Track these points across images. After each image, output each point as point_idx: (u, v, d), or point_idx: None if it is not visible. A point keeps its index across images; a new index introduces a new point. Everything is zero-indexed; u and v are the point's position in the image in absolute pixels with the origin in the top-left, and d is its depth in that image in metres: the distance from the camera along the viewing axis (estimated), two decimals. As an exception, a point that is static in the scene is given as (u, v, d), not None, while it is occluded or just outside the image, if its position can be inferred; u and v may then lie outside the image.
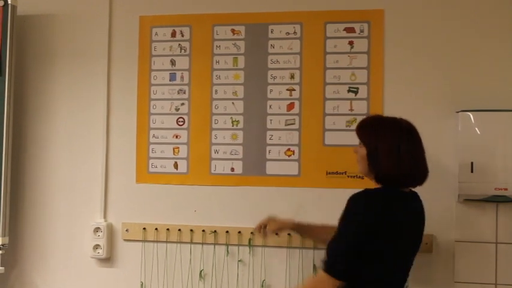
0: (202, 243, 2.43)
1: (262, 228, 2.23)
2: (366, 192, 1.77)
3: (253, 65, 2.44)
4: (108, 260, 2.51)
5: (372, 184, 1.86)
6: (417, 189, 2.25)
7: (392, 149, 1.79)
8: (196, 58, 2.48)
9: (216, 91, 2.46)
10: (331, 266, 1.71)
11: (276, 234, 2.32)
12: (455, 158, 2.23)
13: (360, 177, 2.28)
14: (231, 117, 2.45)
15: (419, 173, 1.83)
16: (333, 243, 1.74)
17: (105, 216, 2.52)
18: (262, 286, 2.39)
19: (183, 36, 2.50)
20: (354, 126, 2.30)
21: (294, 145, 2.40)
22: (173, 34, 2.50)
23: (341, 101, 2.37)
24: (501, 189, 2.14)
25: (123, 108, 2.53)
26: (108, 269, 2.51)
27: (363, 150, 1.85)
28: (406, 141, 1.81)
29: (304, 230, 2.24)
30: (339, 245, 1.73)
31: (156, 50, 2.51)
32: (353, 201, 1.76)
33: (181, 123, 2.48)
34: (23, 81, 2.60)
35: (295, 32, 2.42)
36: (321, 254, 2.29)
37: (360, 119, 2.33)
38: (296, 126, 2.40)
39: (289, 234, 2.35)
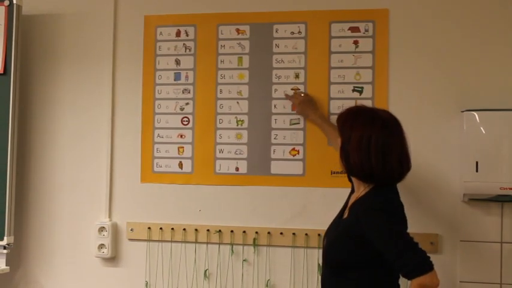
0: (207, 243, 2.44)
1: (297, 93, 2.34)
2: (380, 197, 1.74)
3: (258, 65, 2.44)
4: (113, 259, 2.51)
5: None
6: (420, 188, 2.28)
7: (363, 140, 1.71)
8: (201, 57, 2.48)
9: (220, 90, 2.46)
10: (422, 264, 1.62)
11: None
12: (460, 158, 2.23)
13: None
14: (236, 117, 2.45)
15: (393, 168, 1.74)
16: (401, 250, 1.63)
17: (110, 216, 2.52)
18: (267, 286, 2.39)
19: (187, 35, 2.50)
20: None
21: (298, 145, 2.40)
22: (178, 34, 2.50)
23: (346, 101, 2.37)
24: (506, 188, 2.13)
25: (127, 108, 2.53)
26: (113, 269, 2.51)
27: (339, 142, 1.81)
28: (378, 133, 1.72)
29: (323, 129, 2.30)
30: (406, 246, 1.64)
31: (161, 50, 2.51)
32: (379, 213, 1.70)
33: (186, 122, 2.49)
34: (27, 80, 2.60)
35: (299, 32, 2.42)
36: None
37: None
38: (301, 125, 2.40)
39: (293, 233, 2.36)
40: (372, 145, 1.71)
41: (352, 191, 1.95)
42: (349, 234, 1.76)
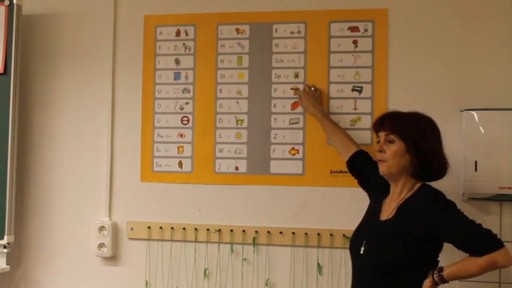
0: (207, 242, 2.44)
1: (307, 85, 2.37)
2: (436, 190, 1.85)
3: (257, 64, 2.45)
4: (113, 258, 2.51)
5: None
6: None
7: (440, 146, 1.88)
8: (200, 57, 2.49)
9: (220, 90, 2.47)
10: (494, 240, 1.70)
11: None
12: (459, 157, 2.23)
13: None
14: (236, 116, 2.45)
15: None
16: (471, 229, 1.73)
17: (110, 215, 2.52)
18: (267, 285, 2.39)
19: (187, 35, 2.50)
20: (358, 125, 2.34)
21: (298, 144, 2.40)
22: (178, 33, 2.51)
23: (345, 100, 2.37)
24: (505, 188, 2.14)
25: (127, 107, 2.54)
26: (113, 268, 2.52)
27: (397, 146, 1.84)
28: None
29: (323, 124, 2.30)
30: (474, 225, 1.73)
31: (161, 49, 2.52)
32: (441, 201, 1.82)
33: (186, 122, 2.49)
34: (28, 80, 2.61)
35: (299, 31, 2.42)
36: (325, 253, 2.32)
37: (364, 118, 2.35)
38: (300, 125, 2.41)
39: (293, 233, 2.36)
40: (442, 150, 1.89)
41: (384, 194, 1.96)
42: (402, 231, 1.79)
